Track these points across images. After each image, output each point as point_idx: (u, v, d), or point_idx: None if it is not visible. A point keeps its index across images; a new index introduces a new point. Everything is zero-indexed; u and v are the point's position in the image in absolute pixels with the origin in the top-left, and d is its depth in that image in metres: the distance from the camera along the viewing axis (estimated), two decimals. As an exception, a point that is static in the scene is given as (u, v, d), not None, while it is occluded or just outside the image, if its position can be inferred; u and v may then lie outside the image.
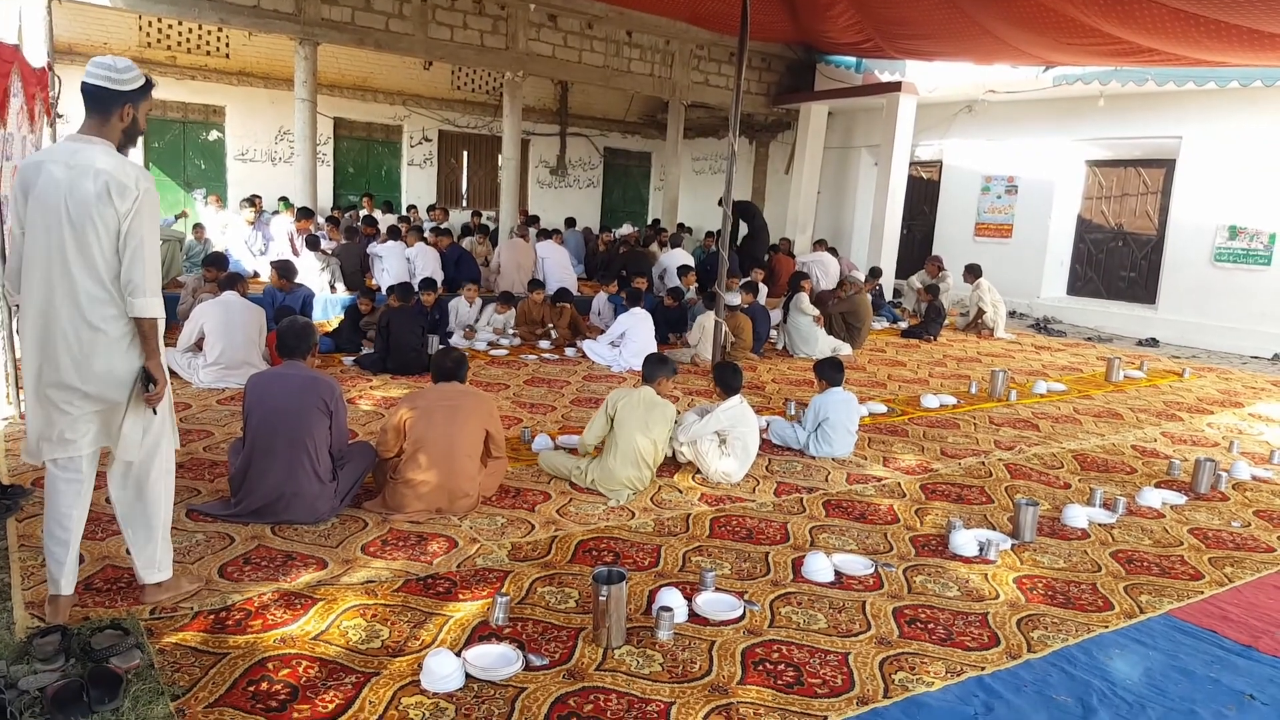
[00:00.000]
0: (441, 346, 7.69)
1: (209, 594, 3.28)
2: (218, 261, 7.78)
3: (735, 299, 8.93)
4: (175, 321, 7.81)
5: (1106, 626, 3.50)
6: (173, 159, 14.89)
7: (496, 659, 2.93)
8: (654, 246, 13.26)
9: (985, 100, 13.40)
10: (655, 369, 4.91)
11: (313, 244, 9.80)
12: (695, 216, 18.29)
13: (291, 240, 10.66)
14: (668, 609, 3.24)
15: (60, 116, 7.43)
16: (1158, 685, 3.10)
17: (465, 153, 18.10)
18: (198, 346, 6.56)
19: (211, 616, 3.13)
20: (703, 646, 3.15)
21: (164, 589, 3.19)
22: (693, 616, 3.36)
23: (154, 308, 2.89)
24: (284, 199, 13.43)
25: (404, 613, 3.26)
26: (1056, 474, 5.55)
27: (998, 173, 13.88)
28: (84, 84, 2.91)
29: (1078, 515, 4.61)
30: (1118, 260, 12.98)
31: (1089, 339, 11.54)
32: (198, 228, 11.11)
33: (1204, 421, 7.23)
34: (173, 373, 6.54)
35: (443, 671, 2.77)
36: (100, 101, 2.92)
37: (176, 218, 10.81)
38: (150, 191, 2.88)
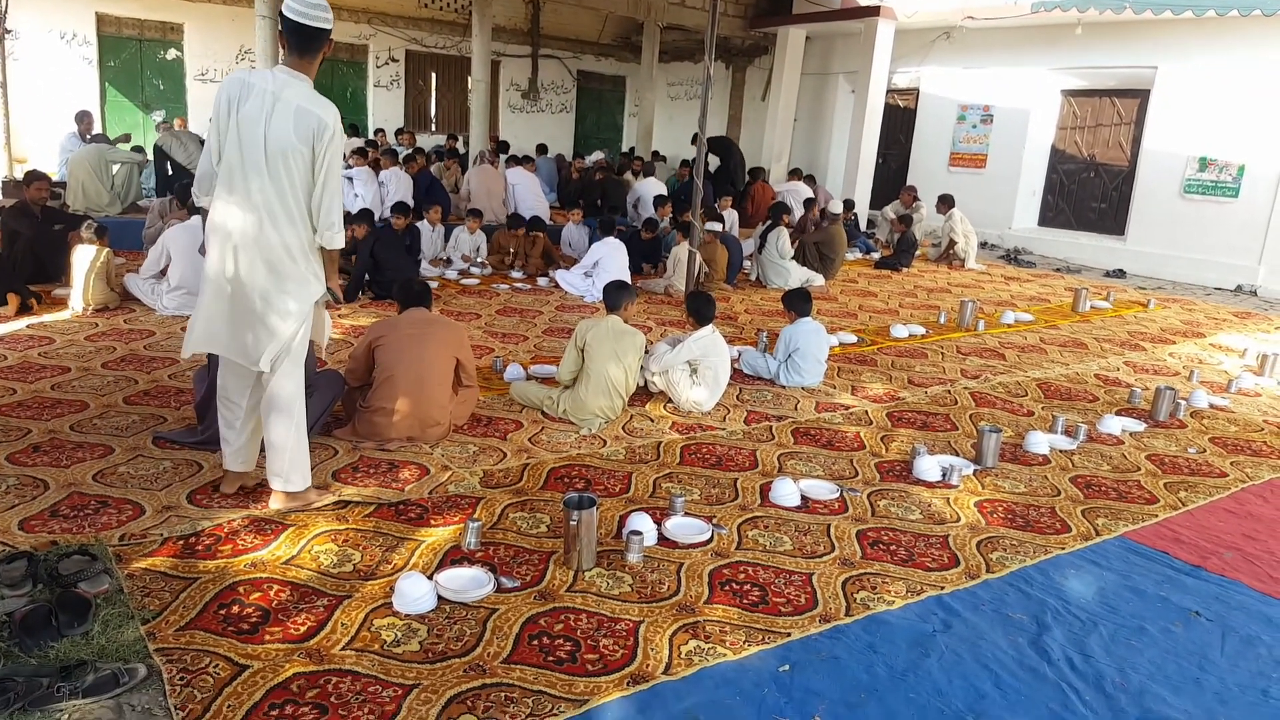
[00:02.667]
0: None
1: (178, 520, 3.28)
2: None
3: (717, 226, 8.85)
4: (139, 248, 7.64)
5: (1063, 548, 3.61)
6: (129, 79, 14.29)
7: (468, 581, 2.97)
8: (628, 175, 13.07)
9: (963, 27, 13.19)
10: (617, 296, 4.89)
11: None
12: (671, 144, 18.01)
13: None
14: (638, 533, 3.29)
15: (9, 32, 7.08)
16: (1110, 604, 3.21)
17: (433, 74, 17.56)
18: (162, 273, 6.41)
19: (181, 542, 3.13)
20: (671, 568, 3.21)
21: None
22: (662, 540, 3.42)
23: (341, 240, 3.24)
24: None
25: (376, 538, 3.28)
26: (1020, 402, 5.65)
27: (974, 101, 13.76)
28: (288, 20, 3.04)
29: (1040, 442, 4.71)
30: (1089, 191, 13.02)
31: (1058, 270, 11.64)
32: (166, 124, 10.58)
33: (1166, 351, 7.37)
34: (135, 299, 6.46)
35: (415, 593, 2.80)
36: (305, 38, 3.08)
37: (114, 142, 10.28)
38: (341, 131, 3.15)
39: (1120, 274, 11.48)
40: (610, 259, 7.96)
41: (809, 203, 11.33)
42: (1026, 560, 3.49)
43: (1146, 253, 11.65)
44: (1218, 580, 3.43)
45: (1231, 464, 4.72)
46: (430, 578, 2.94)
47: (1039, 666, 2.80)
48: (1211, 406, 5.72)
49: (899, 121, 15.14)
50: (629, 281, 5.42)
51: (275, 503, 3.40)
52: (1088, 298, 8.89)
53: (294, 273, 3.17)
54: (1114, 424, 5.13)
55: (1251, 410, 5.73)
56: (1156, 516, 3.98)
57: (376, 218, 8.34)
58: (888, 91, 13.91)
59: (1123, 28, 11.37)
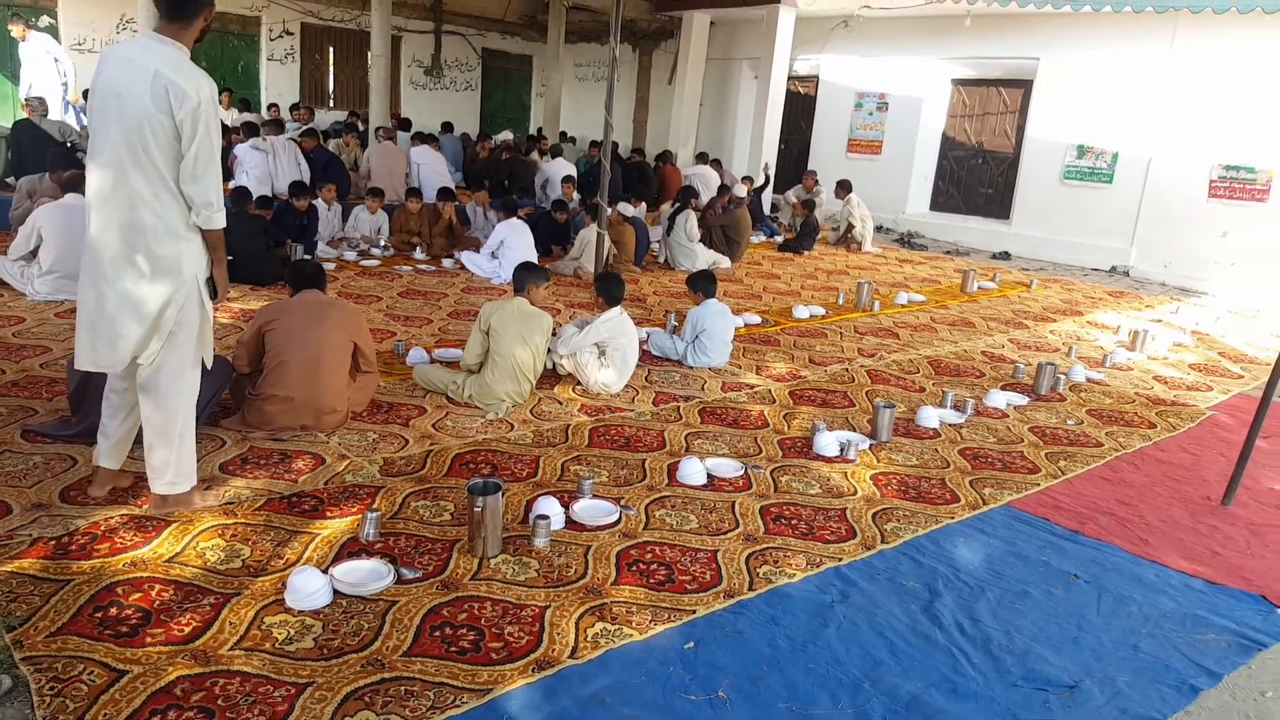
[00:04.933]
0: (304, 256, 7.32)
1: (49, 519, 3.07)
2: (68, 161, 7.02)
3: (629, 209, 8.85)
4: (7, 229, 7.10)
5: (953, 518, 3.77)
6: (-8, 48, 13.24)
7: (366, 574, 2.89)
8: (535, 155, 12.90)
9: (860, 16, 13.49)
10: (525, 277, 4.82)
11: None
12: (579, 125, 17.86)
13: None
14: (544, 517, 3.27)
15: None
16: (996, 569, 3.37)
17: (331, 49, 16.90)
18: (33, 255, 5.98)
19: (52, 542, 2.93)
20: (579, 551, 3.20)
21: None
22: (570, 523, 3.41)
23: (221, 220, 3.00)
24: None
25: (266, 532, 3.15)
26: (913, 378, 5.86)
27: (870, 90, 14.12)
28: None
29: (930, 416, 4.90)
30: (977, 177, 13.57)
31: (948, 252, 12.10)
32: (29, 103, 9.82)
33: (1047, 329, 7.76)
34: (3, 283, 6.01)
35: (308, 589, 2.70)
36: (177, 2, 2.90)
37: None
38: (209, 101, 2.89)
39: (1006, 256, 12.02)
40: (514, 240, 7.85)
41: (723, 189, 11.43)
42: (919, 530, 3.62)
43: (1030, 236, 12.22)
44: (1094, 544, 3.64)
45: (1106, 434, 5.01)
46: (325, 572, 2.84)
47: (931, 632, 2.92)
48: (1088, 380, 6.06)
49: (800, 108, 15.41)
50: (536, 263, 5.37)
51: (154, 506, 3.20)
52: (975, 279, 9.28)
53: (164, 255, 2.95)
54: (999, 398, 5.38)
55: (1125, 384, 6.10)
56: (1038, 485, 4.19)
57: (271, 194, 8.00)
58: (789, 78, 14.13)
59: (1008, 20, 11.84)
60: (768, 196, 13.48)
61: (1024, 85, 12.57)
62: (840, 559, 3.32)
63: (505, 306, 4.70)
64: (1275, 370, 4.09)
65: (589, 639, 2.68)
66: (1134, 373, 6.43)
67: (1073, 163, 11.74)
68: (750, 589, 3.06)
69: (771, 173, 13.08)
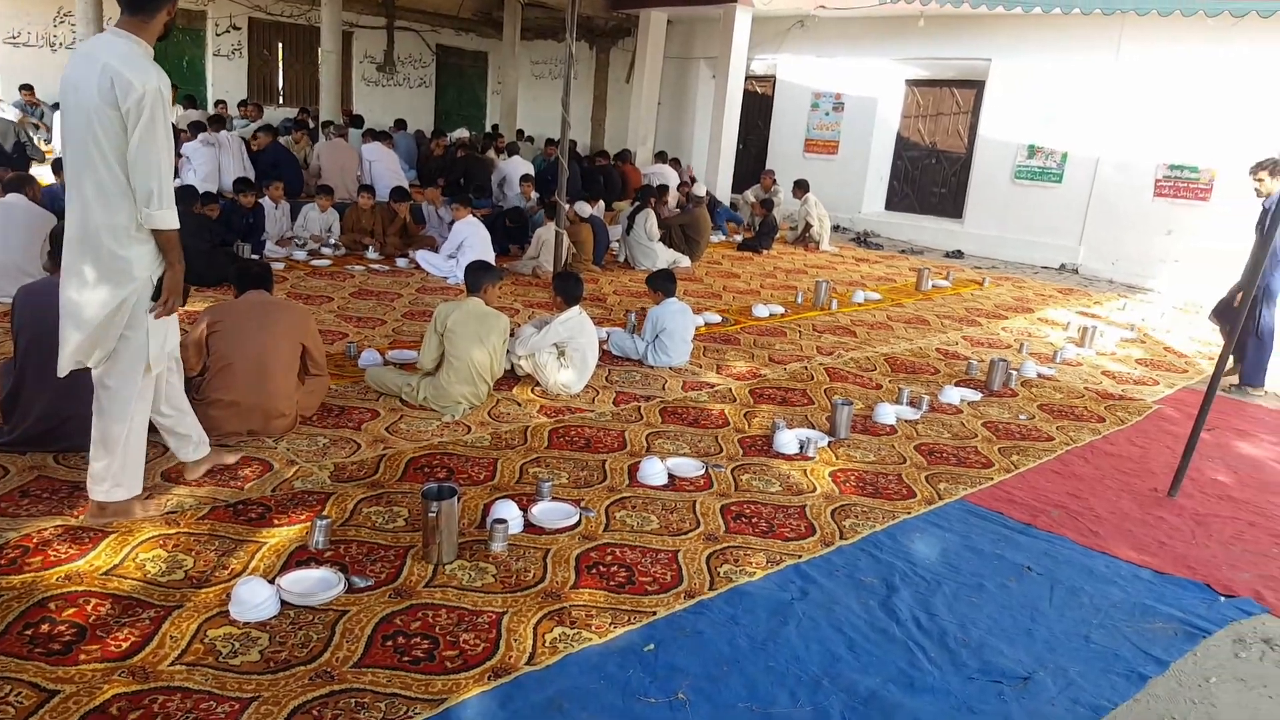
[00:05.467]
0: (251, 256, 7.14)
1: (-20, 532, 2.94)
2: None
3: (586, 209, 8.80)
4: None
5: (910, 513, 3.79)
6: (-80, 40, 12.76)
7: (315, 583, 2.81)
8: (491, 153, 12.77)
9: (816, 16, 13.60)
10: (479, 277, 4.75)
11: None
12: (536, 124, 17.74)
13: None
14: (502, 521, 3.21)
15: None
16: (952, 563, 3.40)
17: (280, 44, 16.60)
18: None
19: (-17, 556, 2.81)
20: (537, 555, 3.16)
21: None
22: (528, 527, 3.36)
23: (170, 220, 2.88)
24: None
25: (210, 541, 3.05)
26: (870, 375, 5.91)
27: (826, 90, 14.23)
28: None
29: (887, 413, 4.94)
30: (931, 177, 13.75)
31: (903, 251, 12.24)
32: None
33: (999, 326, 7.88)
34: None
35: (254, 599, 2.62)
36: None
37: None
38: (160, 93, 2.79)
39: (959, 255, 12.20)
40: (474, 239, 7.75)
41: (681, 187, 11.42)
42: (876, 526, 3.64)
43: (982, 235, 12.42)
44: (1046, 537, 3.69)
45: (1057, 429, 5.09)
46: (272, 582, 2.76)
47: (889, 627, 2.93)
48: (1039, 376, 6.16)
49: (758, 107, 15.49)
50: (492, 263, 5.31)
51: (91, 515, 3.08)
52: (930, 277, 9.40)
53: (114, 257, 2.84)
54: (953, 394, 5.44)
55: (1074, 379, 6.21)
56: (992, 479, 4.24)
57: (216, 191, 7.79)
58: (747, 78, 14.19)
59: (961, 21, 12.02)
60: (725, 196, 13.52)
61: (976, 86, 12.76)
62: (800, 556, 3.32)
63: (461, 307, 4.63)
64: (1219, 365, 4.19)
65: (547, 644, 2.64)
66: (1083, 368, 6.56)
67: (1023, 163, 11.95)
68: (711, 589, 3.04)
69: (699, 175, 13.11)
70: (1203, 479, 4.41)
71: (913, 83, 13.69)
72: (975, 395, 5.55)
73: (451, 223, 8.26)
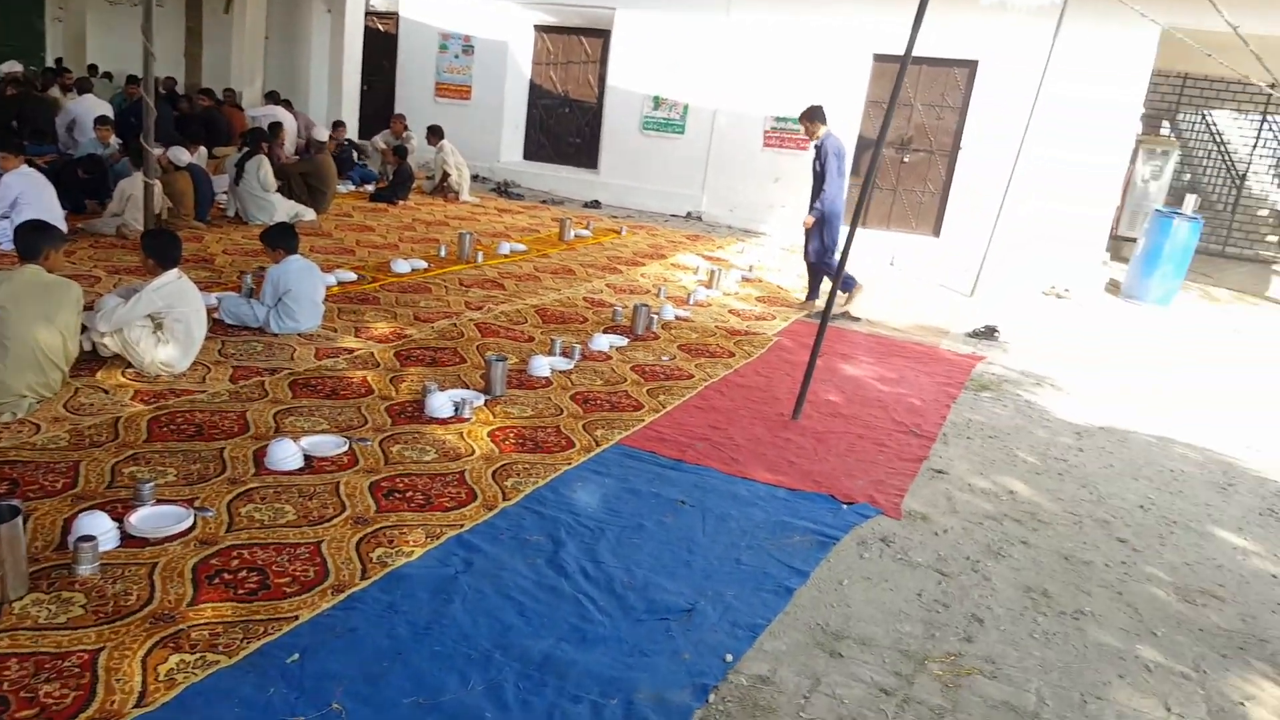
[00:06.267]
0: None
1: None
2: None
3: (184, 156, 7.55)
4: None
5: (570, 463, 3.76)
6: None
7: None
8: (55, 91, 10.55)
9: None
10: (35, 240, 3.82)
11: None
12: (114, 58, 14.97)
13: None
14: (89, 538, 2.63)
15: None
16: (613, 508, 3.43)
17: None
18: None
19: None
20: (141, 573, 2.62)
21: None
22: (127, 540, 2.79)
23: None
24: None
25: None
26: (521, 328, 5.83)
27: (454, 30, 13.75)
28: None
29: (541, 365, 4.89)
30: (566, 126, 14.01)
31: (544, 202, 12.38)
32: None
33: (639, 272, 8.26)
34: None
35: None
36: None
37: None
38: None
39: (596, 204, 12.63)
40: (31, 194, 6.29)
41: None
42: (539, 481, 3.56)
43: (617, 184, 12.96)
44: (695, 470, 3.88)
45: (696, 366, 5.42)
46: None
47: (558, 584, 2.86)
48: (677, 318, 6.53)
49: (381, 47, 14.55)
50: (58, 222, 4.27)
51: None
52: (572, 227, 9.59)
53: None
54: (603, 341, 5.56)
55: (706, 319, 6.68)
56: (643, 421, 4.37)
57: None
58: (367, 14, 13.23)
59: (583, -30, 12.19)
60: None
61: (604, 35, 13.11)
62: (462, 525, 3.13)
63: (14, 278, 3.68)
64: (830, 298, 4.70)
65: (162, 678, 2.19)
66: (713, 308, 7.09)
67: (650, 114, 12.60)
68: (364, 577, 2.74)
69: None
70: (818, 400, 4.95)
71: (542, 29, 13.72)
72: (622, 341, 5.72)
73: None
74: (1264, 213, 16.32)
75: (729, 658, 2.58)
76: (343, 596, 2.63)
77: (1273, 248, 15.57)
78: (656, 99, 12.47)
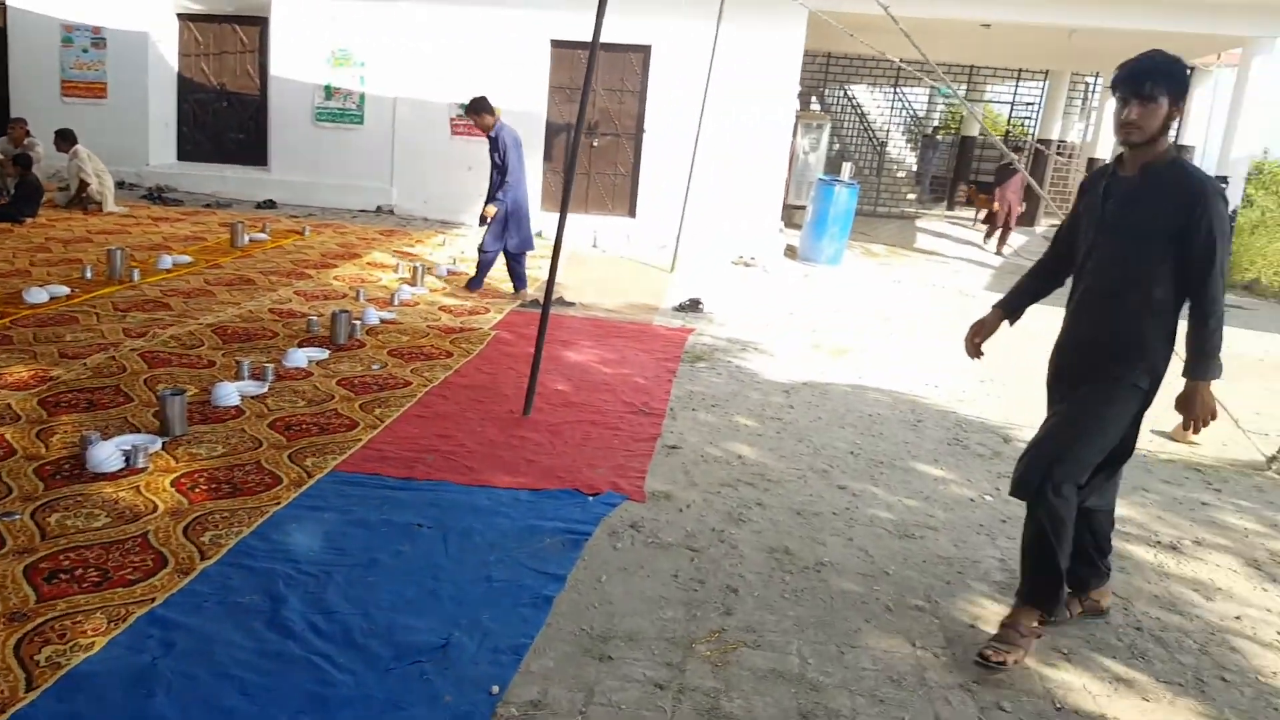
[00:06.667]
0: None
1: None
2: None
3: None
4: None
5: (279, 502, 3.30)
6: None
7: None
8: None
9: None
10: None
11: None
12: None
13: None
14: None
15: None
16: (338, 546, 3.05)
17: None
18: None
19: None
20: None
21: None
22: None
23: None
24: None
25: None
26: (199, 353, 5.07)
27: (80, 22, 11.84)
28: None
29: (229, 393, 4.27)
30: (225, 122, 12.61)
31: (208, 205, 11.06)
32: None
33: (331, 275, 7.61)
34: None
35: None
36: None
37: None
38: None
39: (271, 204, 11.52)
40: None
41: None
42: (243, 530, 3.07)
43: (291, 181, 11.90)
44: (428, 486, 3.57)
45: (412, 371, 5.05)
46: None
47: (284, 648, 2.48)
48: (382, 322, 6.07)
49: (-18, 39, 12.11)
50: None
51: None
52: (245, 231, 8.62)
53: None
54: (299, 356, 4.99)
55: (415, 318, 6.29)
56: (360, 440, 3.96)
57: None
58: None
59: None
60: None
61: (260, 23, 11.96)
62: (154, 599, 2.61)
63: None
64: (548, 286, 4.56)
65: None
66: (420, 306, 6.70)
67: (322, 104, 11.68)
68: (31, 688, 2.18)
69: None
70: (547, 391, 4.81)
71: (186, 17, 12.21)
72: (323, 353, 5.19)
73: None
74: (902, 175, 18.97)
75: (495, 690, 2.37)
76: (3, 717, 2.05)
77: (913, 204, 18.18)
78: (329, 88, 11.62)
